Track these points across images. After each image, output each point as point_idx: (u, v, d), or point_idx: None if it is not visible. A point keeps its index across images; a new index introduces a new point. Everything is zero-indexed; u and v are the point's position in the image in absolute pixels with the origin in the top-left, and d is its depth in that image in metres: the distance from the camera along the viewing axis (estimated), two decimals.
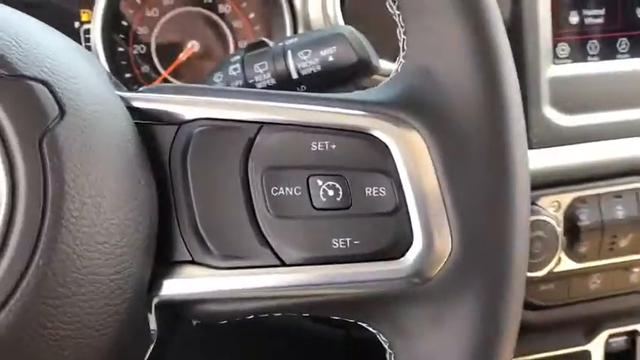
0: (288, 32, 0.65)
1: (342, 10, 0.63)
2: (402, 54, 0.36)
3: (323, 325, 0.71)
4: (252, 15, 0.70)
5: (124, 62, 0.68)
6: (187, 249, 0.34)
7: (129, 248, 0.32)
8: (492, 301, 0.33)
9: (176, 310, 0.36)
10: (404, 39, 0.36)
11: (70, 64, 0.33)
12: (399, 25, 0.36)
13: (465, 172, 0.34)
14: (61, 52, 0.33)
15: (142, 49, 0.68)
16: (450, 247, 0.33)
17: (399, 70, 0.36)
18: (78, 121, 0.31)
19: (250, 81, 0.50)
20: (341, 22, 0.63)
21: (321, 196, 0.34)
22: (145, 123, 0.35)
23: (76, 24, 0.67)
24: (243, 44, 0.69)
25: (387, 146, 0.34)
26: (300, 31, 0.66)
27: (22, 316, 0.28)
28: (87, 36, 0.66)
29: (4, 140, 0.29)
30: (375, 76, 0.52)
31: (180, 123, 0.35)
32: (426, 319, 0.34)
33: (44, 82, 0.30)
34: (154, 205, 0.34)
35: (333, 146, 0.35)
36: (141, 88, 0.38)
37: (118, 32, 0.67)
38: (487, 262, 0.33)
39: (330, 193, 0.34)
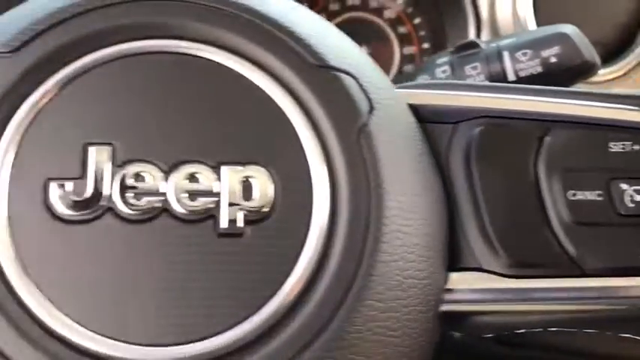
0: (471, 35, 0.63)
1: (534, 11, 0.61)
2: None
3: None
4: (417, 20, 0.68)
5: None
6: (475, 255, 0.32)
7: (434, 252, 0.29)
8: None
9: (452, 321, 0.33)
10: None
11: (366, 57, 0.31)
12: None
13: None
14: (355, 45, 0.32)
15: None
16: None
17: None
18: (384, 116, 0.29)
19: None
20: (532, 23, 0.60)
21: (627, 202, 0.31)
22: (421, 122, 0.33)
23: None
24: (408, 50, 0.67)
25: None
26: (485, 34, 0.63)
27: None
28: None
29: (320, 133, 0.27)
30: None
31: (455, 122, 0.33)
32: None
33: (352, 75, 0.29)
34: (445, 206, 0.32)
35: (637, 147, 0.32)
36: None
37: None
38: None
39: (638, 198, 0.31)
